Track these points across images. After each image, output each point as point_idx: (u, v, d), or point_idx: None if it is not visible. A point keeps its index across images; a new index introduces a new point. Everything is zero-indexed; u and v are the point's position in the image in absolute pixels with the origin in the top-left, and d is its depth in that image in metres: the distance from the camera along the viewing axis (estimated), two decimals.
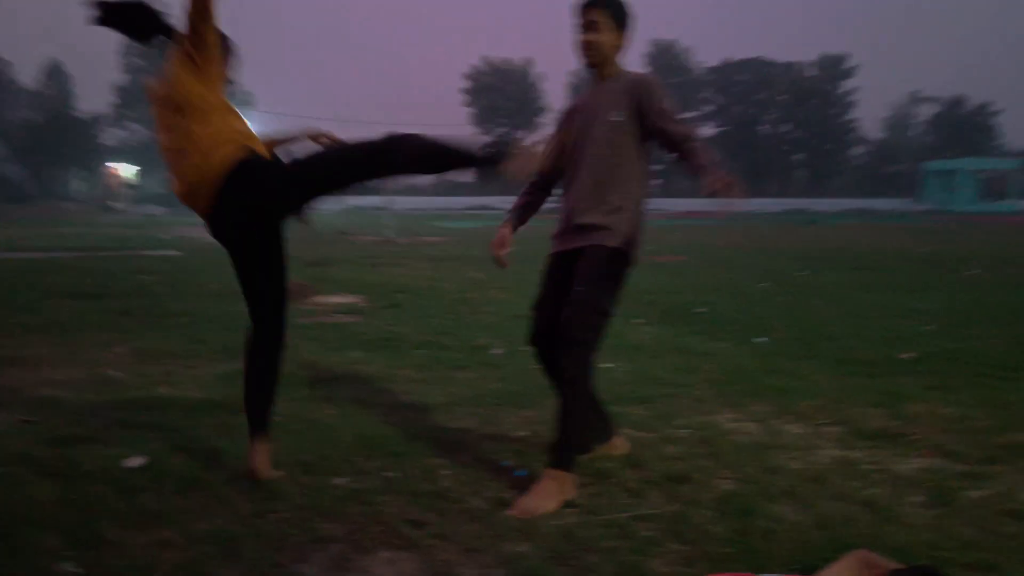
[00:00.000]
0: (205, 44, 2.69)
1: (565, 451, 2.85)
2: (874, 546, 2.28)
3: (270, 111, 53.14)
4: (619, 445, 3.29)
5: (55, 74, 58.67)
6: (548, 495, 2.73)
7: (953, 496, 2.77)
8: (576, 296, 2.94)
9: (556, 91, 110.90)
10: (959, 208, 55.47)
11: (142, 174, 55.02)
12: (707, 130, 73.52)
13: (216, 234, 2.90)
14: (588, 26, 3.01)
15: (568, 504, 2.74)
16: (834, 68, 68.73)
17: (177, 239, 19.79)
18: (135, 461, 3.04)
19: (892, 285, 10.02)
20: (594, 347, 2.93)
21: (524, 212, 3.57)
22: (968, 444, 3.38)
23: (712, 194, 2.72)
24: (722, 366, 5.03)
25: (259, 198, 2.74)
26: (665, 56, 69.30)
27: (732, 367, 4.99)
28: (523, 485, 2.90)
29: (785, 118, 71.21)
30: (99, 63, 74.36)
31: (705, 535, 2.47)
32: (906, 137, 71.15)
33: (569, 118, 3.24)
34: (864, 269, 12.36)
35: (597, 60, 3.06)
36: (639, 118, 3.00)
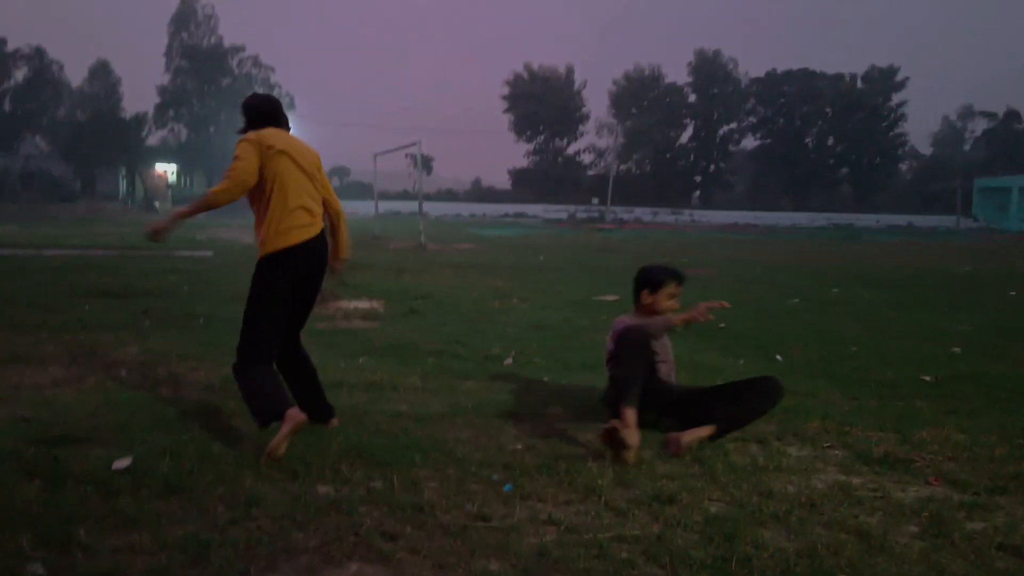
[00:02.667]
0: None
1: None
2: None
3: (307, 115, 53.63)
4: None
5: (102, 74, 59.92)
6: None
7: (950, 527, 2.66)
8: None
9: (598, 99, 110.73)
10: (1010, 227, 54.19)
11: (182, 174, 56.04)
12: (750, 142, 72.76)
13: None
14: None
15: (549, 520, 2.68)
16: (883, 81, 67.41)
17: (211, 240, 20.10)
18: (122, 463, 3.05)
19: (925, 304, 9.78)
20: None
21: None
22: (976, 472, 3.26)
23: None
24: None
25: None
26: (709, 66, 68.66)
27: None
28: (509, 500, 2.85)
29: (831, 131, 70.09)
30: (147, 64, 75.98)
31: (683, 559, 2.39)
32: (956, 152, 69.52)
33: None
34: (899, 288, 12.09)
35: None
36: None
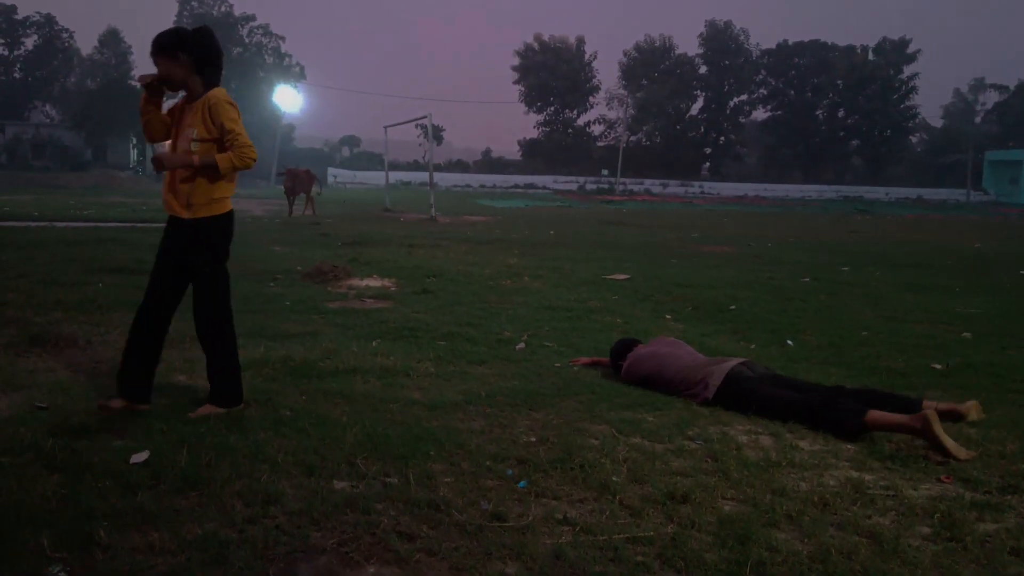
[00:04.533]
0: None
1: None
2: None
3: (318, 84, 53.24)
4: None
5: (112, 42, 59.66)
6: None
7: (962, 529, 2.66)
8: None
9: (608, 70, 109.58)
10: (1021, 200, 53.72)
11: None
12: (761, 114, 72.08)
13: None
14: None
15: (564, 519, 2.70)
16: (895, 53, 66.54)
17: None
18: (140, 457, 3.08)
19: (937, 285, 9.75)
20: None
21: None
22: (988, 470, 3.26)
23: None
24: None
25: None
26: (720, 37, 67.88)
27: None
28: (524, 498, 2.88)
29: (842, 103, 69.38)
30: (156, 33, 75.50)
31: (698, 563, 2.41)
32: (967, 125, 68.69)
33: None
34: (911, 266, 12.05)
35: None
36: None
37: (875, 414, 3.57)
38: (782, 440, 3.61)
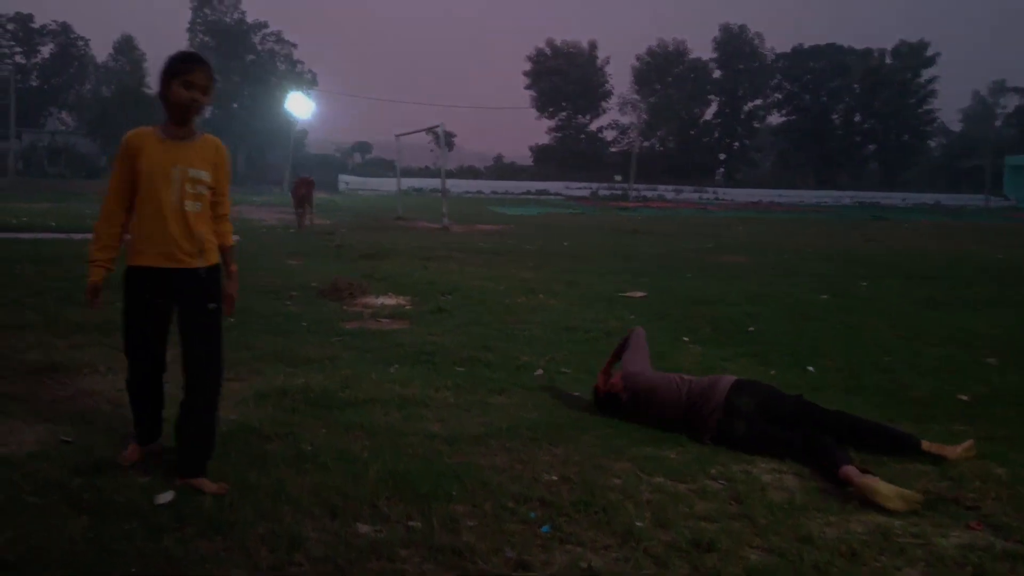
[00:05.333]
0: None
1: None
2: None
3: (329, 90, 53.55)
4: None
5: (127, 49, 60.13)
6: None
7: None
8: None
9: (621, 75, 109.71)
10: None
11: None
12: (776, 119, 71.82)
13: None
14: None
15: (589, 569, 2.68)
16: (913, 56, 66.20)
17: (237, 221, 20.21)
18: (165, 497, 3.08)
19: (958, 299, 9.66)
20: None
21: None
22: (1019, 514, 3.21)
23: None
24: None
25: None
26: (735, 41, 67.77)
27: None
28: (548, 544, 2.86)
29: (858, 107, 69.08)
30: (170, 40, 76.04)
31: None
32: (987, 129, 68.20)
33: None
34: (930, 278, 11.95)
35: None
36: None
37: (845, 471, 3.48)
38: (806, 480, 3.58)
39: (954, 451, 3.82)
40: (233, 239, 3.55)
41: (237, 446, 3.73)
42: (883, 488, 3.30)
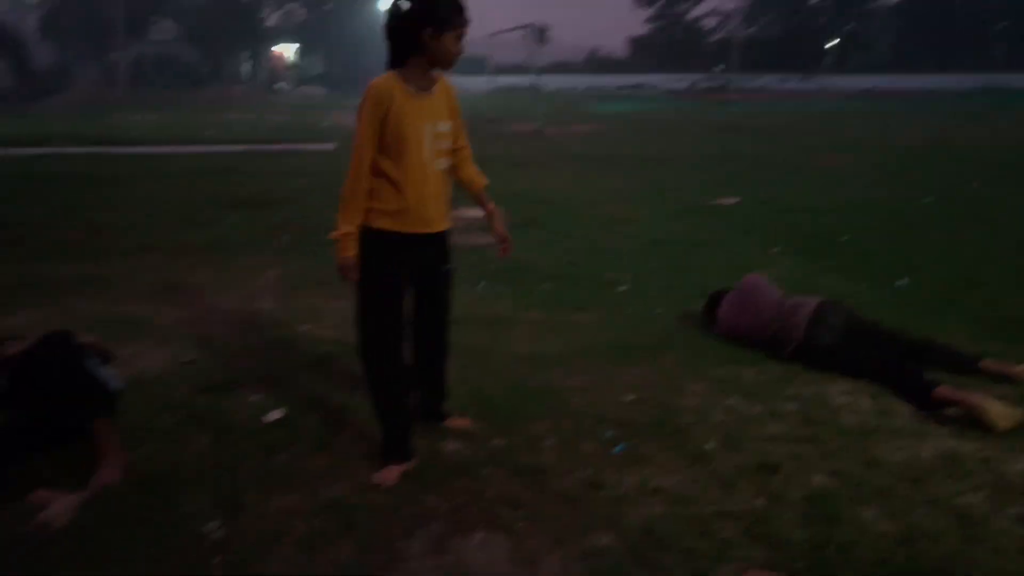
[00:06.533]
0: None
1: None
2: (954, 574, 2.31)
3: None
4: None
5: None
6: None
7: None
8: None
9: None
10: None
11: (301, 53, 57.01)
12: None
13: None
14: None
15: (658, 490, 2.88)
16: None
17: (332, 127, 20.66)
18: (274, 415, 3.44)
19: None
20: None
21: None
22: None
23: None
24: None
25: None
26: None
27: None
28: (620, 465, 3.07)
29: None
30: None
31: (783, 543, 2.55)
32: None
33: None
34: None
35: None
36: None
37: (942, 391, 3.49)
38: (880, 402, 3.63)
39: (1022, 371, 3.78)
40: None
41: (339, 366, 4.05)
42: (993, 406, 3.30)
